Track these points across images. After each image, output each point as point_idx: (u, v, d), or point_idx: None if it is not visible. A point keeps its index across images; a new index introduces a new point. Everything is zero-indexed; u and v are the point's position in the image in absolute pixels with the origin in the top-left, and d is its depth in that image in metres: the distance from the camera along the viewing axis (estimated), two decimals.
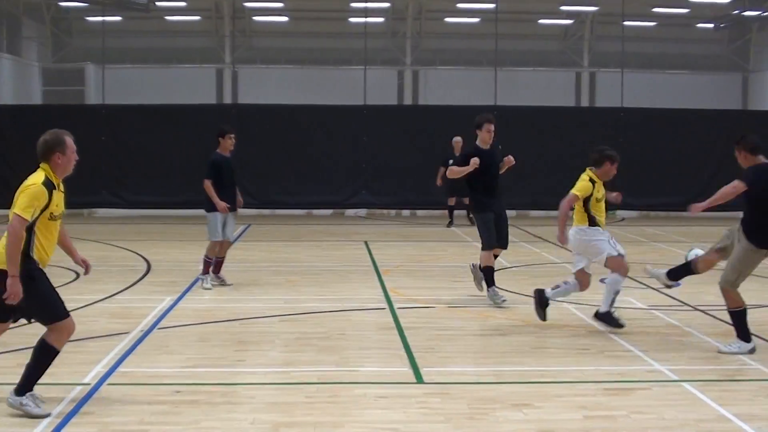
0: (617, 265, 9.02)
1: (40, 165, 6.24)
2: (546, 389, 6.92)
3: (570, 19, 41.78)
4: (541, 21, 41.47)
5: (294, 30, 40.83)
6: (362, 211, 22.57)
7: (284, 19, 40.66)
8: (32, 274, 6.06)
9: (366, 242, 16.29)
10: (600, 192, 9.13)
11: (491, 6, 37.83)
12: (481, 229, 10.49)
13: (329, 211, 22.44)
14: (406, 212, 22.85)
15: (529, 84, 39.82)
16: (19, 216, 5.95)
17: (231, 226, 11.81)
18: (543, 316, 9.20)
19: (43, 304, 6.14)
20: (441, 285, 12.00)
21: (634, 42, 40.69)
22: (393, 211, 22.80)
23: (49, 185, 6.10)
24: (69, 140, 6.29)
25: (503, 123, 22.20)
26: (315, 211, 22.39)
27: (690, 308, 10.14)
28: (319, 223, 20.44)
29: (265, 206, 21.88)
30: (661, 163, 22.11)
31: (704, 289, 10.76)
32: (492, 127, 10.60)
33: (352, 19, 40.45)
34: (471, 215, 19.79)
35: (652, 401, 6.63)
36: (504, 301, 10.30)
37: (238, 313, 9.74)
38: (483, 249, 10.44)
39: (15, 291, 5.92)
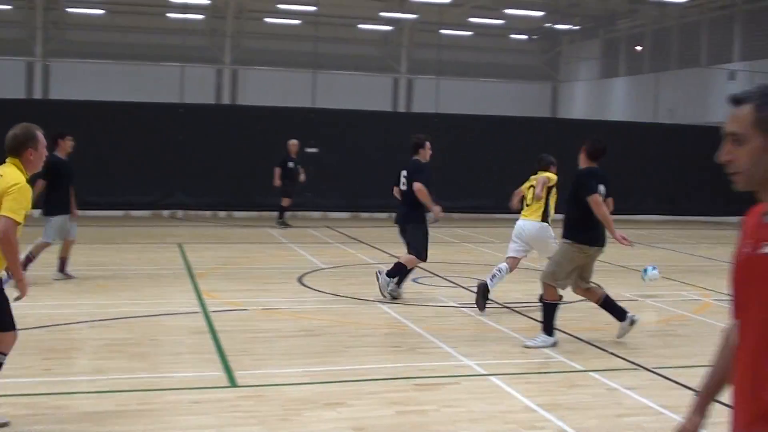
0: None
1: (9, 160, 5.72)
2: (359, 387, 7.01)
3: (389, 25, 42.56)
4: (361, 26, 42.04)
5: (110, 23, 39.64)
6: (179, 213, 22.10)
7: (100, 11, 39.36)
8: None
9: (180, 244, 15.97)
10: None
11: (312, 9, 38.11)
12: (421, 239, 10.85)
13: (148, 213, 21.83)
14: (222, 214, 22.56)
15: (347, 88, 40.30)
16: (12, 219, 5.46)
17: (72, 227, 11.94)
18: (483, 306, 10.02)
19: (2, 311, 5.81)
20: (256, 287, 11.93)
21: (450, 50, 41.97)
22: (209, 213, 22.45)
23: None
24: (40, 135, 5.81)
25: (321, 125, 22.59)
26: (133, 213, 21.73)
27: (498, 305, 10.53)
28: (133, 225, 19.89)
29: (77, 207, 21.06)
30: (472, 167, 22.86)
31: (512, 287, 11.21)
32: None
33: (171, 15, 39.68)
34: (283, 218, 19.90)
35: (462, 395, 6.84)
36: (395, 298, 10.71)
37: (45, 320, 9.32)
38: (418, 257, 10.82)
39: (25, 290, 5.80)
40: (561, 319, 9.04)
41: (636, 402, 6.71)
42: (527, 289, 11.00)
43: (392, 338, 8.93)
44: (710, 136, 26.33)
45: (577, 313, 10.12)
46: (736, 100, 2.51)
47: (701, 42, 37.54)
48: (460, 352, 8.21)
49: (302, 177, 19.45)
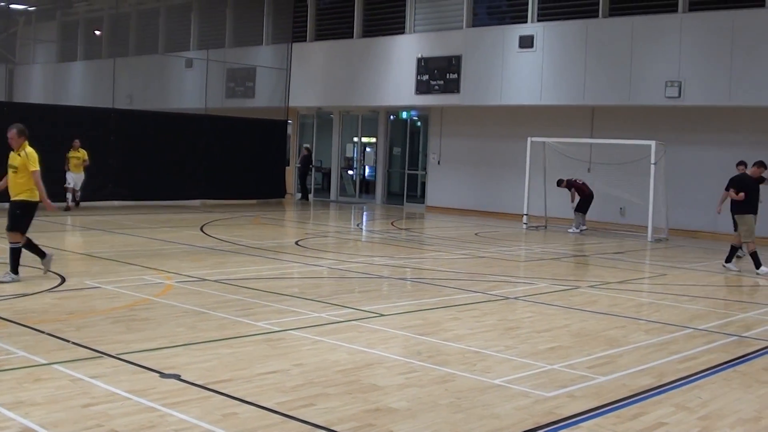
0: None
1: None
2: None
3: None
4: None
5: None
6: None
7: None
8: None
9: None
10: None
11: None
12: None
13: None
14: None
15: None
16: None
17: None
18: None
19: None
20: None
21: None
22: None
23: None
24: None
25: None
26: None
27: None
28: None
29: None
30: None
31: None
32: None
33: None
34: None
35: None
36: None
37: None
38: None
39: None
40: (21, 312, 8.65)
41: (102, 390, 6.66)
42: None
43: None
44: (170, 122, 27.18)
45: (37, 304, 9.76)
46: None
47: (159, 29, 38.36)
48: None
49: None
